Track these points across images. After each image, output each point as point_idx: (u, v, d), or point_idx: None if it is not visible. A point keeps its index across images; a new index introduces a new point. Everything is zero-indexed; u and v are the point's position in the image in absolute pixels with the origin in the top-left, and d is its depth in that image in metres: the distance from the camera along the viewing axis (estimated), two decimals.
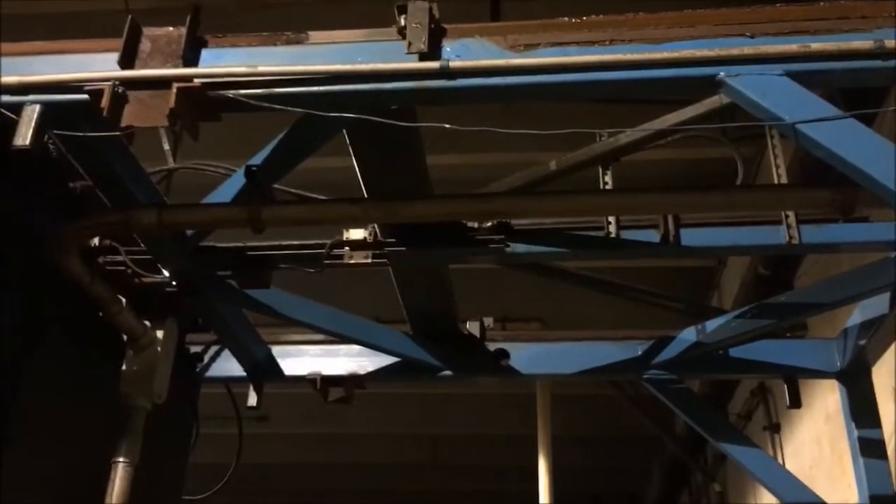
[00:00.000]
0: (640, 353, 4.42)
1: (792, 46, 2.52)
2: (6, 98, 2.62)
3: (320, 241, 3.61)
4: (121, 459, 3.34)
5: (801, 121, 2.47)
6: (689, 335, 4.27)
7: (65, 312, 3.43)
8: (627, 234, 3.54)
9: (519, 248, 3.56)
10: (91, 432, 3.48)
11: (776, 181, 3.67)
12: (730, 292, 7.20)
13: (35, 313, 3.29)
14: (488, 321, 4.62)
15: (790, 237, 3.45)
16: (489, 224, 3.55)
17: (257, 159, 3.17)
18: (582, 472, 10.47)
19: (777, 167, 3.69)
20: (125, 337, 3.54)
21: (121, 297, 3.48)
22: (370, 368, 4.56)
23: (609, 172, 3.64)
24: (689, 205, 3.23)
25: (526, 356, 4.60)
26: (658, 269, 7.42)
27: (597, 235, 3.56)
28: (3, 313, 3.12)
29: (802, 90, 2.52)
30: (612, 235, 3.51)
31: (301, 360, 4.64)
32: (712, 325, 4.20)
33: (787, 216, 3.46)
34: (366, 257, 3.59)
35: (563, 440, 8.06)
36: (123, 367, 3.52)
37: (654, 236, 3.52)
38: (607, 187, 3.62)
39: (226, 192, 3.26)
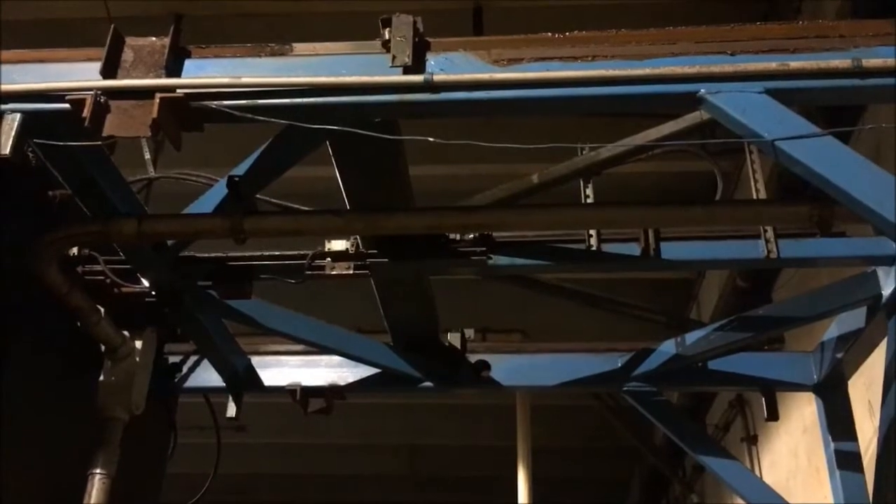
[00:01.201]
0: (620, 365, 4.44)
1: (771, 64, 2.56)
2: None
3: (302, 252, 3.60)
4: (97, 471, 3.31)
5: (780, 138, 2.50)
6: (668, 347, 4.30)
7: (41, 323, 3.39)
8: (608, 247, 3.56)
9: (501, 260, 3.58)
10: (69, 443, 3.45)
11: (755, 196, 3.70)
12: (708, 304, 7.26)
13: (9, 324, 3.25)
14: (469, 332, 4.62)
15: (769, 251, 3.49)
16: (471, 236, 3.56)
17: (240, 170, 3.16)
18: (561, 483, 10.47)
19: (756, 182, 3.73)
20: (103, 347, 3.51)
21: (99, 307, 3.45)
22: (350, 379, 4.55)
23: (590, 186, 3.67)
24: (670, 219, 3.25)
25: (506, 368, 4.60)
26: (637, 281, 7.46)
27: (578, 248, 3.57)
28: None
29: (781, 108, 2.56)
30: (594, 248, 3.53)
31: (281, 370, 4.61)
32: (691, 337, 4.23)
33: (765, 230, 3.50)
34: (347, 268, 3.58)
35: (542, 451, 8.07)
36: (101, 378, 3.49)
37: (634, 249, 3.55)
38: (589, 200, 3.64)
39: (207, 202, 3.25)
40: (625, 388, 4.44)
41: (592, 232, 3.54)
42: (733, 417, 7.42)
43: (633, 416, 7.25)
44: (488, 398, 8.37)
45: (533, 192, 3.72)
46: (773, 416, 4.42)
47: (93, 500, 3.25)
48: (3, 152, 2.48)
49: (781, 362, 4.42)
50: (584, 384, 4.71)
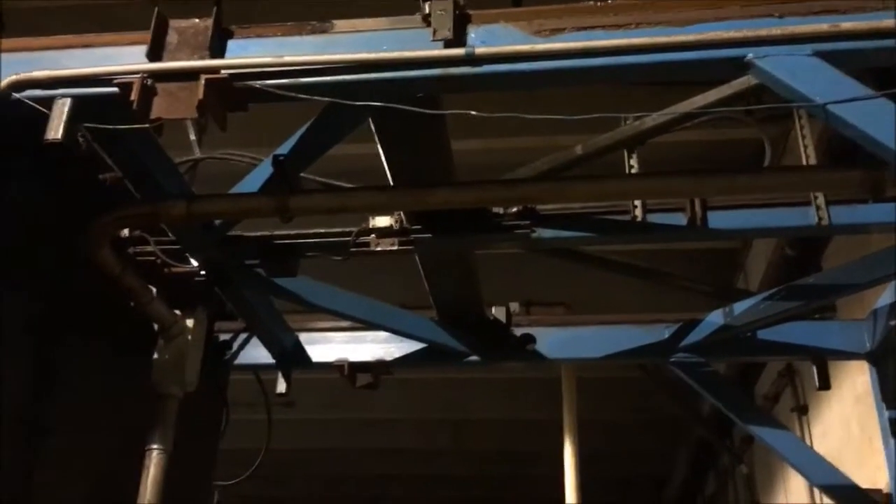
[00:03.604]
0: (666, 336, 4.42)
1: (822, 26, 2.49)
2: (37, 93, 2.65)
3: (347, 229, 3.63)
4: (154, 447, 3.39)
5: (831, 101, 2.44)
6: (716, 318, 4.26)
7: (95, 304, 3.48)
8: (654, 218, 3.52)
9: (545, 233, 3.56)
10: (125, 421, 3.54)
11: (804, 162, 3.63)
12: (756, 273, 7.15)
13: (67, 305, 3.34)
14: (514, 306, 4.63)
15: (819, 218, 3.42)
16: (515, 209, 3.55)
17: (284, 148, 3.19)
18: (607, 456, 10.47)
19: (805, 147, 3.65)
20: (156, 326, 3.58)
21: (151, 287, 3.52)
22: (397, 354, 4.59)
23: (635, 156, 3.62)
24: (717, 187, 3.20)
25: (551, 341, 4.61)
26: (682, 252, 7.37)
27: (623, 219, 3.55)
28: (34, 304, 3.17)
29: (832, 70, 2.49)
30: (639, 219, 3.50)
31: (328, 346, 4.68)
32: (740, 307, 4.18)
33: (815, 197, 3.43)
34: (392, 244, 3.60)
35: (588, 424, 8.06)
36: (155, 356, 3.56)
37: (680, 219, 3.50)
38: (633, 171, 3.60)
39: (253, 181, 3.29)
40: (672, 360, 4.41)
41: (637, 202, 3.51)
42: (783, 387, 7.33)
43: (680, 388, 7.20)
44: (533, 371, 8.36)
45: (576, 164, 3.69)
46: (825, 385, 4.37)
47: (151, 475, 3.33)
48: (55, 137, 2.53)
49: (833, 330, 4.35)
50: (631, 356, 4.68)
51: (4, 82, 2.62)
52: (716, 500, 10.26)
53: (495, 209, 3.53)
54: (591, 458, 7.89)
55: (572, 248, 4.13)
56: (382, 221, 3.61)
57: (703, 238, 4.10)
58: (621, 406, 9.94)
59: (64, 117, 2.57)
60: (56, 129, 2.55)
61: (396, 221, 3.60)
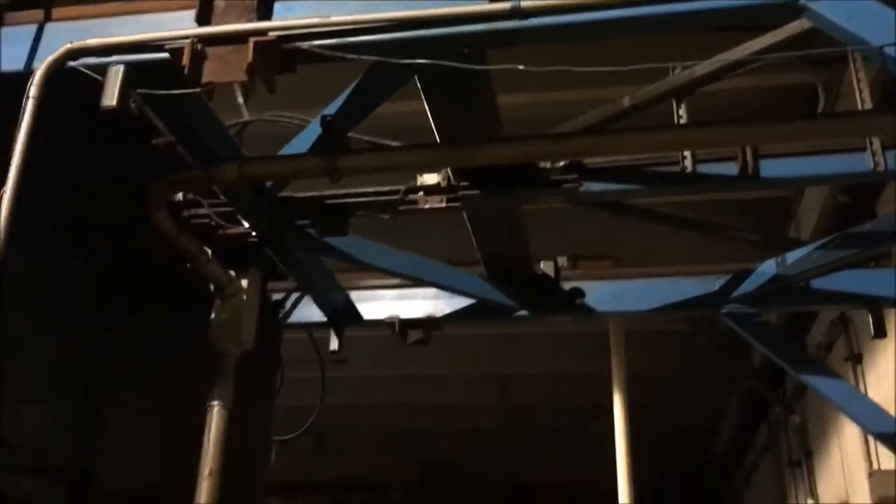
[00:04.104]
0: (717, 287, 4.38)
1: None
2: (91, 60, 2.69)
3: (395, 188, 3.66)
4: (215, 403, 3.48)
5: (887, 44, 2.38)
6: (768, 268, 4.21)
7: (154, 267, 3.56)
8: (704, 168, 3.48)
9: (593, 186, 3.55)
10: (185, 381, 3.64)
11: (859, 107, 3.54)
12: (808, 222, 7.01)
13: (126, 270, 3.43)
14: (562, 261, 4.63)
15: (875, 164, 3.35)
16: (562, 163, 3.54)
17: (331, 109, 3.21)
18: (657, 409, 10.46)
19: (860, 92, 3.56)
20: (212, 287, 3.66)
21: (206, 248, 3.60)
22: (446, 310, 4.64)
23: (683, 106, 3.57)
24: (769, 135, 3.15)
25: (600, 294, 4.61)
26: (732, 202, 7.26)
27: (672, 171, 3.51)
28: (95, 270, 3.27)
29: (888, 11, 2.42)
30: (689, 170, 3.46)
31: (379, 304, 4.74)
32: (792, 256, 4.13)
33: (871, 142, 3.36)
34: (440, 202, 3.62)
35: (637, 378, 8.06)
36: (212, 316, 3.65)
37: (731, 169, 3.46)
38: (683, 121, 3.55)
39: (302, 142, 3.32)
40: (723, 311, 4.38)
41: (687, 153, 3.47)
42: (836, 336, 7.23)
43: (731, 339, 7.16)
44: (581, 325, 8.35)
45: (624, 116, 3.65)
46: (881, 333, 4.31)
47: (213, 430, 3.43)
48: (110, 104, 2.58)
49: (889, 278, 4.28)
50: (681, 308, 4.66)
51: (59, 51, 2.67)
52: (768, 452, 10.22)
53: (542, 164, 3.52)
54: (641, 411, 7.90)
55: (620, 201, 4.11)
56: (430, 179, 3.63)
57: (755, 188, 4.05)
58: (670, 359, 9.90)
59: (118, 84, 2.61)
60: (111, 96, 2.60)
61: (444, 178, 3.62)
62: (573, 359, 9.97)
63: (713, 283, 4.42)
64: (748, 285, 4.26)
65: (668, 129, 3.32)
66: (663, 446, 11.74)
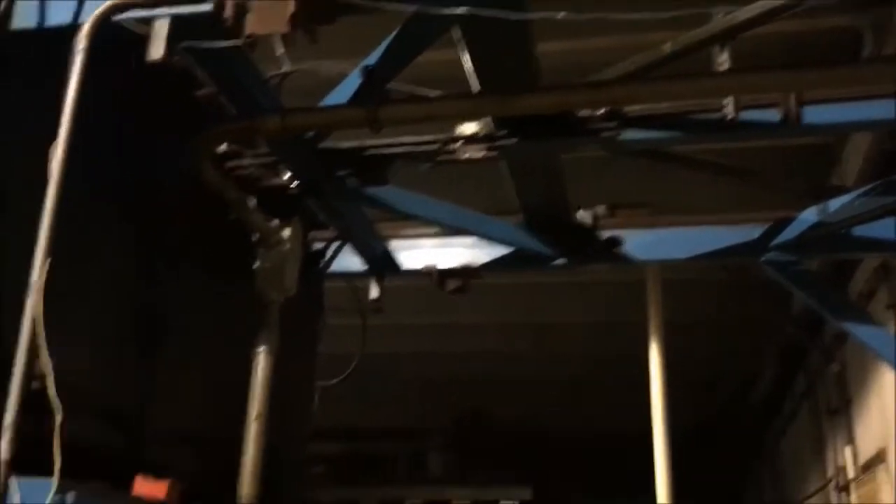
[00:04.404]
0: (757, 235, 4.37)
1: None
2: (136, 13, 2.74)
3: (434, 138, 3.68)
4: (261, 349, 3.59)
5: None
6: (809, 215, 4.18)
7: (200, 218, 3.64)
8: (746, 115, 3.45)
9: (632, 135, 3.54)
10: (231, 328, 3.75)
11: None
12: (851, 169, 6.90)
13: (174, 220, 3.51)
14: (600, 209, 4.64)
15: None
16: (601, 111, 3.53)
17: (371, 59, 3.23)
18: (693, 357, 10.46)
19: None
20: (255, 237, 3.73)
21: (249, 199, 3.66)
22: (484, 259, 4.69)
23: (726, 51, 3.52)
24: (813, 81, 3.11)
25: (638, 243, 4.62)
26: (773, 149, 7.15)
27: (714, 118, 3.48)
28: (145, 221, 3.35)
29: None
30: (731, 117, 3.43)
31: (418, 252, 4.81)
32: (834, 204, 4.10)
33: None
34: (479, 151, 3.64)
35: (673, 326, 8.07)
36: (256, 265, 3.73)
37: (774, 116, 3.43)
38: (725, 67, 3.51)
39: (342, 93, 3.35)
40: (763, 259, 4.37)
41: (729, 100, 3.43)
42: (877, 285, 7.16)
43: (769, 288, 7.12)
44: (619, 274, 8.36)
45: (665, 63, 3.61)
46: None
47: (259, 375, 3.54)
48: (157, 56, 2.63)
49: None
50: (720, 256, 4.66)
51: (106, 4, 2.71)
52: (806, 400, 10.22)
53: (581, 112, 3.51)
54: (676, 359, 7.93)
55: (659, 149, 4.09)
56: (469, 128, 3.64)
57: (798, 135, 3.99)
58: (707, 307, 9.87)
59: (164, 37, 2.66)
60: (157, 49, 2.64)
61: (483, 128, 3.63)
62: (609, 307, 9.99)
63: (753, 231, 4.41)
64: (789, 233, 4.24)
65: (709, 76, 3.29)
66: (699, 395, 11.77)
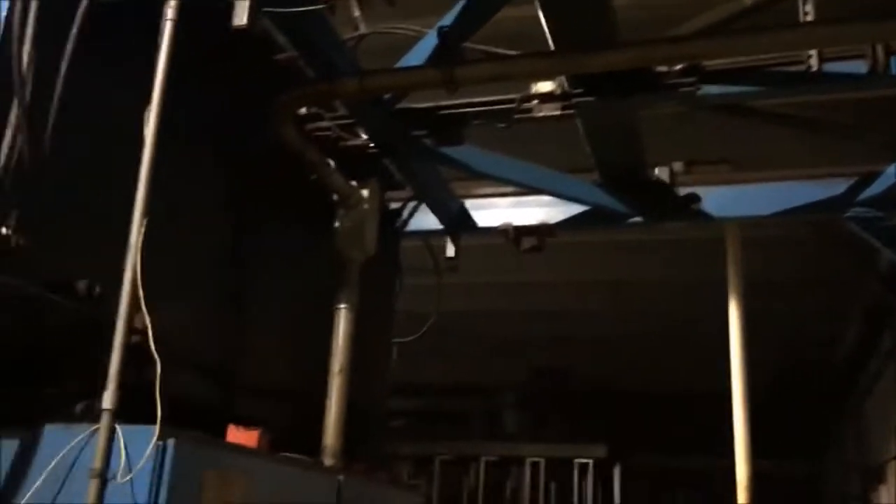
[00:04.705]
0: (841, 190, 4.26)
1: None
2: None
3: (510, 97, 3.69)
4: (342, 305, 3.70)
5: None
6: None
7: (282, 180, 3.75)
8: (831, 67, 3.35)
9: (711, 89, 3.48)
10: (313, 286, 3.87)
11: None
12: None
13: (259, 182, 3.62)
14: (677, 166, 4.58)
15: None
16: (679, 67, 3.47)
17: (447, 19, 3.25)
18: (774, 316, 10.26)
19: None
20: (335, 197, 3.83)
21: (329, 160, 3.75)
22: (560, 217, 4.69)
23: (810, 2, 3.42)
24: None
25: (717, 199, 4.56)
26: (858, 101, 6.88)
27: (796, 70, 3.40)
28: (233, 183, 3.47)
29: None
30: (814, 69, 3.34)
31: (493, 211, 4.84)
32: None
33: None
34: (554, 110, 3.63)
35: (753, 283, 7.92)
36: (336, 225, 3.82)
37: (860, 67, 3.32)
38: (808, 19, 3.41)
39: (418, 54, 3.38)
40: (847, 215, 4.26)
41: (813, 52, 3.34)
42: None
43: (854, 244, 6.92)
44: (697, 231, 8.23)
45: (745, 16, 3.53)
46: None
47: (341, 331, 3.66)
48: (241, 23, 2.71)
49: None
50: (803, 212, 4.56)
51: None
52: (892, 360, 9.94)
53: (659, 68, 3.47)
54: (757, 317, 7.80)
55: (739, 104, 4.00)
56: (545, 87, 3.64)
57: (886, 86, 3.84)
58: (789, 264, 9.65)
59: (247, 3, 2.73)
60: (241, 16, 2.72)
61: (558, 86, 3.62)
62: (686, 264, 9.85)
63: (837, 187, 4.30)
64: (875, 188, 4.12)
65: (792, 28, 3.21)
66: (782, 354, 11.56)
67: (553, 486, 10.26)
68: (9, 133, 2.33)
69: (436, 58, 3.28)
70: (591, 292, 11.11)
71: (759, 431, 7.11)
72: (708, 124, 5.67)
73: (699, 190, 4.55)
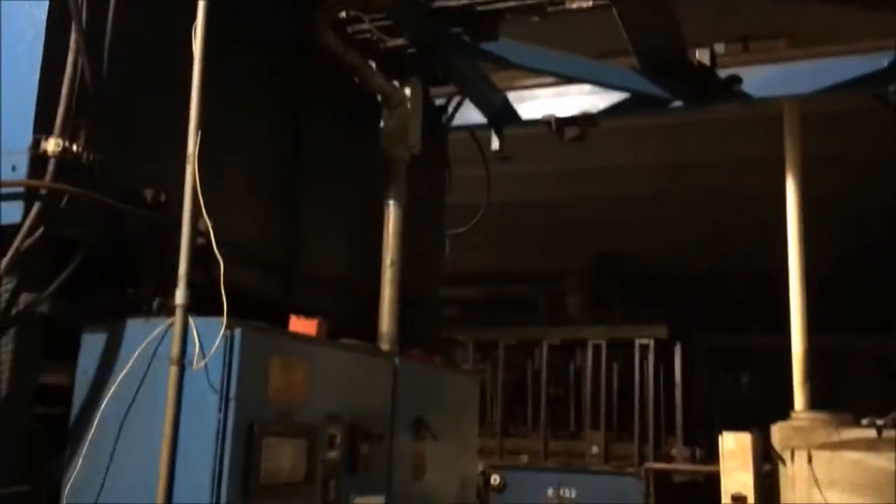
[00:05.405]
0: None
1: None
2: None
3: None
4: (391, 201, 3.89)
5: None
6: None
7: (328, 83, 3.88)
8: None
9: None
10: (367, 181, 4.05)
11: None
12: None
13: (309, 85, 3.77)
14: (718, 47, 4.55)
15: None
16: None
17: None
18: (835, 192, 10.09)
19: None
20: (379, 98, 3.95)
21: (370, 62, 3.87)
22: (601, 106, 4.74)
23: None
24: None
25: (766, 78, 4.53)
26: None
27: None
28: (287, 85, 3.62)
29: None
30: None
31: (535, 103, 4.91)
32: None
33: None
34: (587, 1, 3.65)
35: (814, 162, 7.81)
36: (381, 125, 3.96)
37: None
38: None
39: None
40: None
41: None
42: None
43: None
44: (752, 111, 8.10)
45: None
46: None
47: (391, 225, 3.86)
48: None
49: None
50: (855, 87, 4.48)
51: None
52: None
53: None
54: (818, 196, 7.73)
55: None
56: None
57: None
58: (851, 141, 9.43)
59: None
60: None
61: None
62: (744, 144, 9.71)
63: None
64: None
65: None
66: (843, 231, 11.42)
67: (615, 366, 10.54)
68: (70, 56, 2.51)
69: None
70: (647, 175, 11.04)
71: (823, 309, 7.17)
72: (755, 2, 5.55)
73: (748, 70, 4.53)
